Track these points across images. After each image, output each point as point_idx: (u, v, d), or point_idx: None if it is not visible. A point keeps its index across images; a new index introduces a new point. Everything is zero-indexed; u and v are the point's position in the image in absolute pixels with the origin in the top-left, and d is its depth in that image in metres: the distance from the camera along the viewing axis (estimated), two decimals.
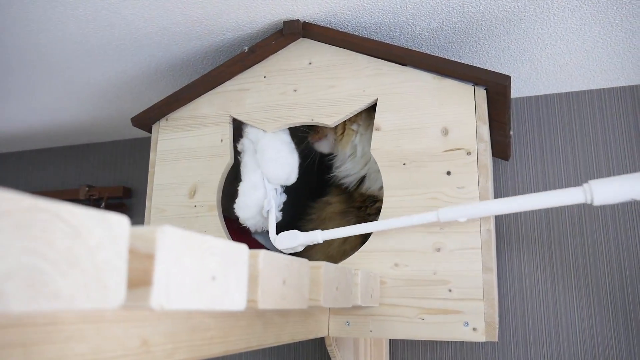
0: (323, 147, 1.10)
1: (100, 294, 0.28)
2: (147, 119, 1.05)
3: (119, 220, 0.30)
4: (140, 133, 1.58)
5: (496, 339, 0.80)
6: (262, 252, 0.46)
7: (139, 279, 0.32)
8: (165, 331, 0.45)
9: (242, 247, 0.42)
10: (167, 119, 1.05)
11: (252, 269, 0.45)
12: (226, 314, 0.54)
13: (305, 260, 0.56)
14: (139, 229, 0.32)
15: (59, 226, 0.25)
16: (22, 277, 0.23)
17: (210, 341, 0.51)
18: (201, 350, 0.50)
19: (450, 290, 0.82)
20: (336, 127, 1.01)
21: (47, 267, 0.25)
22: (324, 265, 0.59)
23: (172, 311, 0.35)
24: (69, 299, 0.26)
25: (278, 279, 0.49)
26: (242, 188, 0.97)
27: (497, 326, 0.83)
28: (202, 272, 0.36)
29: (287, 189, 1.03)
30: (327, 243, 0.99)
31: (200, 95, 1.03)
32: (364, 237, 0.91)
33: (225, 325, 0.54)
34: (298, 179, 1.02)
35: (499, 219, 1.22)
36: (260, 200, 0.95)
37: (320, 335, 0.83)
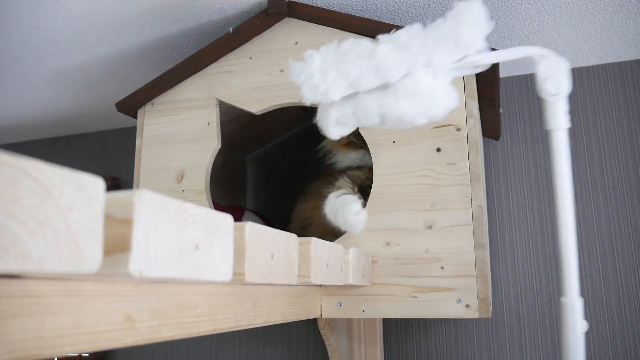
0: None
1: (74, 257, 0.27)
2: (132, 104, 1.03)
3: (93, 182, 0.28)
4: (126, 122, 1.56)
5: (489, 316, 0.80)
6: (248, 224, 0.45)
7: (117, 244, 0.30)
8: (150, 307, 0.44)
9: (227, 217, 0.41)
10: (152, 104, 1.03)
11: (239, 242, 0.44)
12: (215, 291, 0.53)
13: (294, 235, 0.55)
14: (115, 193, 0.31)
15: (26, 183, 0.24)
16: None
17: (197, 319, 0.50)
18: (188, 327, 0.49)
19: (442, 268, 0.81)
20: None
21: (14, 225, 0.23)
22: (313, 241, 0.58)
23: (154, 279, 0.33)
24: (40, 260, 0.25)
25: (266, 253, 0.48)
26: None
27: (491, 303, 0.82)
28: (184, 240, 0.35)
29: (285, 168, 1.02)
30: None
31: (185, 79, 1.01)
32: None
33: (213, 302, 0.53)
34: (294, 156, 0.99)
35: (490, 196, 1.22)
36: None
37: (312, 316, 0.82)
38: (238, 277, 0.43)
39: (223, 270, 0.40)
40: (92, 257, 0.28)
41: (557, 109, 0.61)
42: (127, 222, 0.30)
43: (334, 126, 0.66)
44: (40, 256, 0.25)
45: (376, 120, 0.64)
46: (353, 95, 0.64)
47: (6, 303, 0.31)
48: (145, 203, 0.31)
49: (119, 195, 0.31)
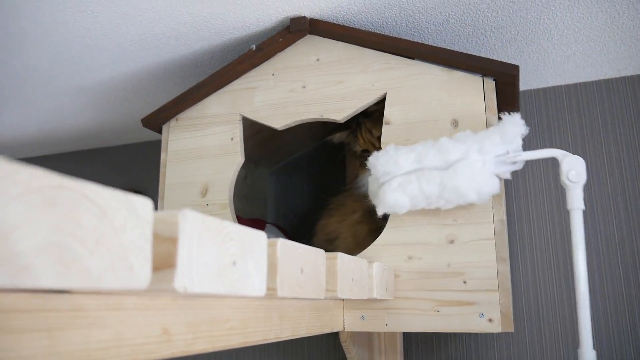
0: None
1: (127, 274, 0.28)
2: (157, 120, 1.06)
3: (143, 203, 0.30)
4: (149, 136, 1.59)
5: (512, 329, 0.80)
6: (279, 241, 0.46)
7: (163, 261, 0.32)
8: (185, 321, 0.45)
9: (260, 234, 0.42)
10: (177, 119, 1.05)
11: (271, 257, 0.45)
12: (244, 305, 0.54)
13: (322, 250, 0.56)
14: (160, 213, 0.33)
15: (86, 205, 0.26)
16: (52, 254, 0.24)
17: (229, 332, 0.52)
18: (220, 340, 0.50)
19: (464, 282, 0.82)
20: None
21: (75, 244, 0.25)
22: (339, 256, 0.59)
23: (196, 294, 0.35)
24: (97, 277, 0.26)
25: (296, 268, 0.49)
26: None
27: (512, 316, 0.83)
28: (223, 257, 0.37)
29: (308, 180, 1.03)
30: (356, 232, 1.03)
31: (209, 95, 1.04)
32: None
33: (244, 316, 0.54)
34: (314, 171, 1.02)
35: (510, 210, 1.22)
36: None
37: (336, 329, 0.83)
38: (271, 292, 0.44)
39: (258, 285, 0.41)
40: (142, 274, 0.29)
41: (576, 194, 0.76)
42: (173, 241, 0.32)
43: (391, 191, 0.81)
44: (98, 274, 0.26)
45: (435, 189, 0.79)
46: (418, 170, 0.81)
47: (55, 316, 0.33)
48: (189, 222, 0.33)
49: (164, 214, 0.32)
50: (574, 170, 0.76)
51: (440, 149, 0.79)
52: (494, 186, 0.79)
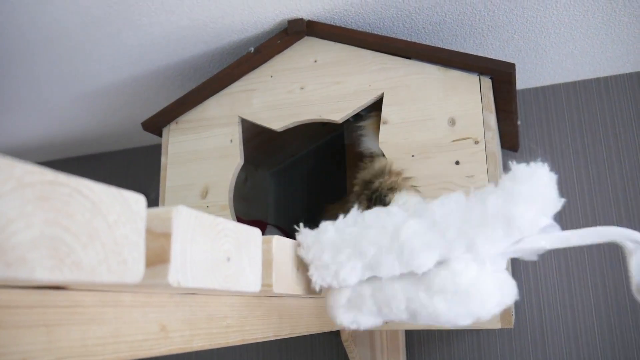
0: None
1: (120, 268, 0.29)
2: (157, 123, 1.07)
3: (136, 199, 0.31)
4: (150, 140, 1.60)
5: (512, 326, 0.80)
6: (274, 238, 0.47)
7: (157, 256, 0.32)
8: (183, 318, 0.46)
9: (255, 231, 0.43)
10: (177, 122, 1.06)
11: (266, 254, 0.46)
12: (242, 303, 0.55)
13: None
14: (155, 209, 0.33)
15: (79, 200, 0.26)
16: (46, 247, 0.24)
17: (227, 330, 0.52)
18: (218, 338, 0.51)
19: None
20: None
21: (69, 238, 0.26)
22: None
23: (190, 289, 0.35)
24: (91, 270, 0.27)
25: (291, 265, 0.50)
26: None
27: (513, 313, 0.83)
28: (217, 252, 0.37)
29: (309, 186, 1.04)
30: None
31: (208, 98, 1.04)
32: None
33: (241, 314, 0.55)
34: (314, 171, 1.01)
35: None
36: None
37: (336, 328, 0.83)
38: (266, 288, 0.45)
39: (252, 281, 0.42)
40: (135, 268, 0.30)
41: None
42: (166, 236, 0.32)
43: (344, 310, 0.52)
44: (91, 267, 0.27)
45: (404, 315, 0.49)
46: (375, 278, 0.50)
47: (54, 312, 0.34)
48: (182, 218, 0.33)
49: (158, 210, 0.33)
50: None
51: (402, 253, 0.47)
52: (503, 298, 0.49)
